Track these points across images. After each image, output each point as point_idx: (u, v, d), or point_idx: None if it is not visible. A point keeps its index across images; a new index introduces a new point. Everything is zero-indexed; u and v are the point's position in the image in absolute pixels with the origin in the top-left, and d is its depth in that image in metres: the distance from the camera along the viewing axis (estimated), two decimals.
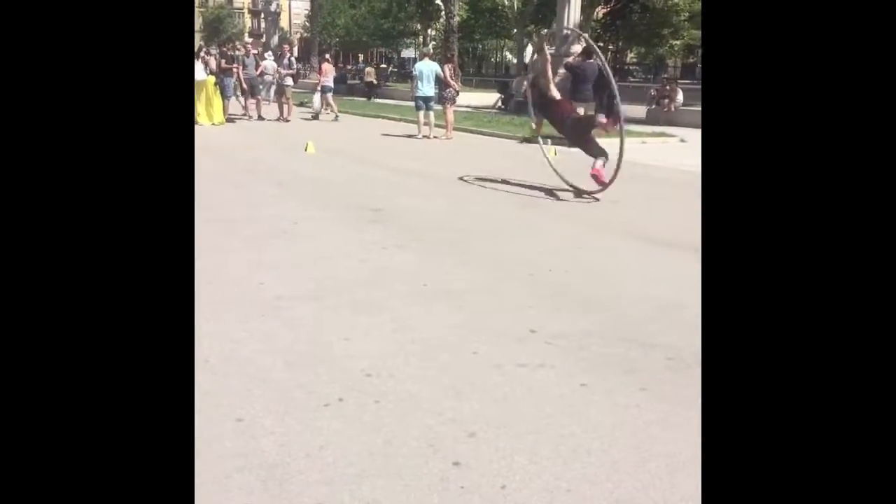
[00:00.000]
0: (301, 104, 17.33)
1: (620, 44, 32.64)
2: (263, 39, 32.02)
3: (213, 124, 13.04)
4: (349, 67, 35.60)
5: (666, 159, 10.02)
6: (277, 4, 34.66)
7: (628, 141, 11.91)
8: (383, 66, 33.55)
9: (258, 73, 14.98)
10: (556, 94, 7.22)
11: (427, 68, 12.13)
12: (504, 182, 7.66)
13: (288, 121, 14.71)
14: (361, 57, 45.35)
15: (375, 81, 25.13)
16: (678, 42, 28.11)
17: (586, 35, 9.24)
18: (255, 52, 16.46)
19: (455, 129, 12.62)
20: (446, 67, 12.71)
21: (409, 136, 12.38)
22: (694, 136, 12.03)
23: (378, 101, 22.16)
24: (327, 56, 18.31)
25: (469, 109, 17.88)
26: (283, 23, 47.27)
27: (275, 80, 14.98)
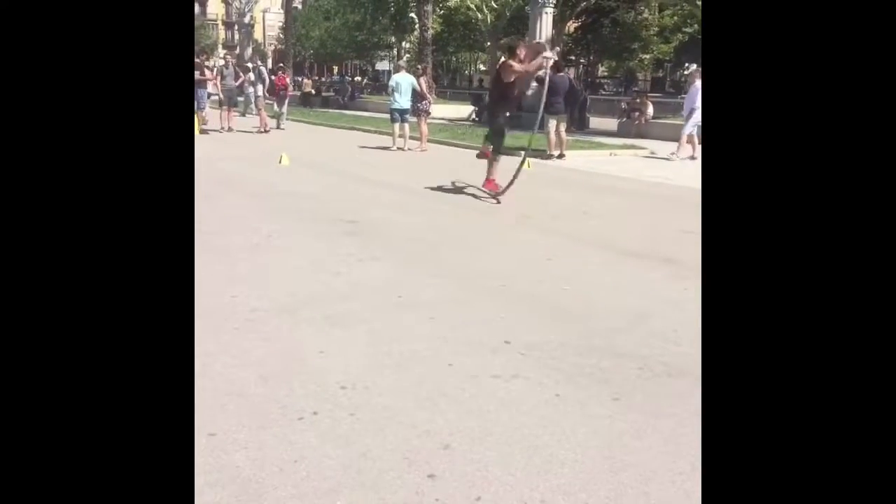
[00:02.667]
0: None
1: (591, 57, 33.14)
2: (237, 51, 31.86)
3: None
4: (323, 79, 35.59)
5: (636, 171, 10.18)
6: (251, 16, 34.55)
7: (598, 153, 12.15)
8: (357, 78, 33.66)
9: (238, 84, 14.96)
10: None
11: (404, 81, 12.18)
12: (478, 194, 7.71)
13: (267, 132, 14.66)
14: (336, 69, 45.33)
15: (314, 92, 25.47)
16: (647, 56, 28.64)
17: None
18: (234, 61, 16.44)
19: (429, 140, 12.69)
20: (421, 80, 12.78)
21: (384, 148, 12.40)
22: (664, 149, 12.25)
23: (353, 112, 22.17)
24: (280, 65, 18.32)
25: (443, 122, 17.98)
26: (258, 34, 47.05)
27: (253, 93, 15.03)
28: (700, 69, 13.56)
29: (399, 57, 33.75)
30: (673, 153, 11.50)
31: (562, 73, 12.03)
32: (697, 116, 11.38)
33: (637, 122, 15.25)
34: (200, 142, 12.72)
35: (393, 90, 12.23)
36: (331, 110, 23.29)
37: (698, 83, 11.62)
